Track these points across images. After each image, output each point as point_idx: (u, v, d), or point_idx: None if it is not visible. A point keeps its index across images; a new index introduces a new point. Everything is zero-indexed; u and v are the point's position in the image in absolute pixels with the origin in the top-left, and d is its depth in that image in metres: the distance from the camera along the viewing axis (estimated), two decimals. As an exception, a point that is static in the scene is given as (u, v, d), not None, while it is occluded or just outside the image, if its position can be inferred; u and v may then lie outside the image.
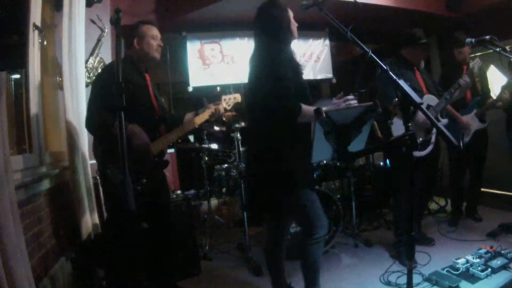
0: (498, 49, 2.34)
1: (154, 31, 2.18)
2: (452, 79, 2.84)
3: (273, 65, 1.79)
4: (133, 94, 1.95)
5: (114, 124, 1.84)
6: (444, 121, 2.82)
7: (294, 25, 1.93)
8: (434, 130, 2.71)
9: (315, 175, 2.06)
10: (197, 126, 2.30)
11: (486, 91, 3.50)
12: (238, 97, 2.45)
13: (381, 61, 1.45)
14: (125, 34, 2.09)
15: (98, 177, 2.41)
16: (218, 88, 5.15)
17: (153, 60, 2.19)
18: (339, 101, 1.77)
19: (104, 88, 1.96)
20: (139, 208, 1.57)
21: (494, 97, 3.37)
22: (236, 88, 4.59)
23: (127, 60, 2.12)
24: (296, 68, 1.91)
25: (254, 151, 2.06)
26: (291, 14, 1.92)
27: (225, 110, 2.40)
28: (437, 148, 2.90)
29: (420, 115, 2.60)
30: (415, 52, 2.84)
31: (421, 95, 2.67)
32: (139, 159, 1.92)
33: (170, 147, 4.66)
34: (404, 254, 2.72)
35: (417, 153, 2.66)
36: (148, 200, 1.92)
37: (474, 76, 3.43)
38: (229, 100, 2.42)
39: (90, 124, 2.03)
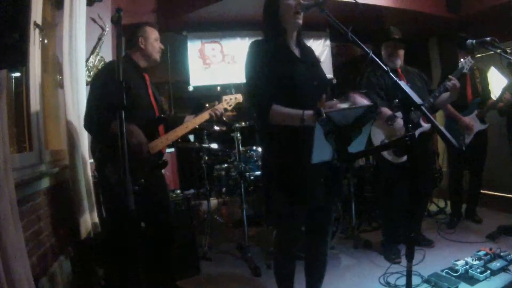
0: (498, 51, 2.34)
1: (157, 34, 2.24)
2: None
3: (248, 61, 1.74)
4: (133, 94, 1.91)
5: (112, 123, 1.86)
6: (426, 126, 2.67)
7: (288, 12, 1.70)
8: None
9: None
10: (197, 126, 2.29)
11: (486, 92, 3.49)
12: (239, 97, 2.44)
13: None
14: (129, 32, 2.11)
15: (96, 176, 2.41)
16: (219, 88, 5.16)
17: (155, 62, 2.23)
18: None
19: (102, 87, 1.96)
20: (138, 208, 1.58)
21: (495, 98, 3.37)
22: (236, 87, 4.57)
23: (127, 59, 2.13)
24: (284, 62, 1.70)
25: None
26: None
27: (226, 110, 2.38)
28: (427, 153, 2.89)
29: (398, 122, 2.58)
30: (387, 49, 2.82)
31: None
32: (136, 158, 1.91)
33: (170, 147, 4.68)
34: (388, 251, 2.85)
35: (396, 160, 2.67)
36: (146, 200, 1.89)
37: (474, 76, 3.42)
38: (230, 101, 2.41)
39: (89, 124, 2.03)
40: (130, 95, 1.88)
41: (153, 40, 2.18)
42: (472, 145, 3.32)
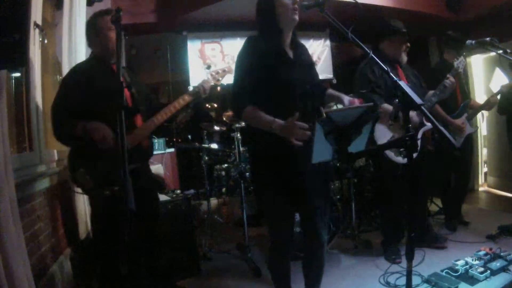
0: (499, 51, 2.34)
1: (107, 21, 1.95)
2: (441, 77, 2.71)
3: (239, 58, 1.75)
4: (97, 91, 1.87)
5: (75, 126, 1.81)
6: (429, 125, 2.67)
7: (285, 11, 1.68)
8: (419, 136, 2.63)
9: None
10: (180, 107, 2.09)
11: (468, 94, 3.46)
12: (229, 68, 2.21)
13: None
14: (129, 33, 2.07)
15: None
16: (219, 88, 5.16)
17: (114, 52, 1.99)
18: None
19: (65, 91, 1.92)
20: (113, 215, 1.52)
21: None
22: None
23: (91, 58, 2.08)
24: (278, 64, 1.69)
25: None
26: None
27: (216, 84, 2.23)
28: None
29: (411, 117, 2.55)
30: (394, 44, 2.74)
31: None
32: (108, 155, 1.80)
33: (170, 147, 4.68)
34: (388, 251, 2.85)
35: (403, 161, 2.55)
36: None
37: (460, 77, 3.37)
38: (217, 75, 2.21)
39: (59, 132, 1.93)
40: (94, 93, 1.87)
41: (106, 31, 1.95)
42: (460, 148, 3.26)
